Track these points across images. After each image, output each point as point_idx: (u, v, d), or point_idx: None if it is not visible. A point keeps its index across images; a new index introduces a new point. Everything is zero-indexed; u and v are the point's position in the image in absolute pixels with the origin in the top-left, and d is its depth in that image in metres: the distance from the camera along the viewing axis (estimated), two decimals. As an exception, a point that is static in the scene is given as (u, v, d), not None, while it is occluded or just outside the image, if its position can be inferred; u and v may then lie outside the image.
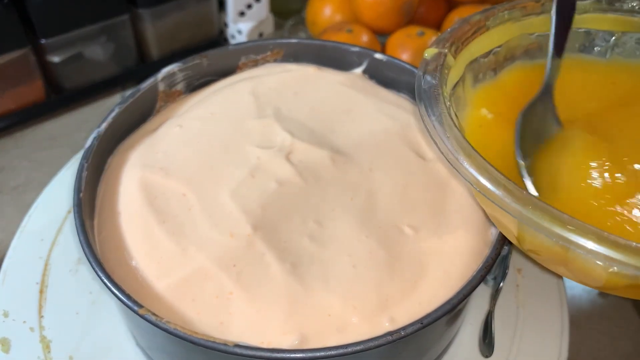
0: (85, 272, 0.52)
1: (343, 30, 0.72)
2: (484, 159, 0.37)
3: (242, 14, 0.81)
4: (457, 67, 0.46)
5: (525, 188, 0.42)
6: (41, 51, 0.70)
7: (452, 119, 0.40)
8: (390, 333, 0.36)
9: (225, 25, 0.83)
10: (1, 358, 0.46)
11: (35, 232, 0.55)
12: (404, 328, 0.37)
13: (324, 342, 0.38)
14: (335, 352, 0.36)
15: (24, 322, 0.49)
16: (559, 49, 0.47)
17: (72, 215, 0.54)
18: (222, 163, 0.47)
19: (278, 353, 0.36)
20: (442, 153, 0.39)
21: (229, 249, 0.42)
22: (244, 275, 0.41)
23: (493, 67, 0.49)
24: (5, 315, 0.49)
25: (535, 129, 0.45)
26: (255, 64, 0.58)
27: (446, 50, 0.45)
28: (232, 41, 0.84)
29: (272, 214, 0.44)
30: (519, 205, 0.35)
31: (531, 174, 0.43)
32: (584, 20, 0.50)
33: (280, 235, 0.43)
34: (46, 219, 0.56)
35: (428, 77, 0.43)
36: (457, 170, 0.38)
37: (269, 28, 0.85)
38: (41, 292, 0.51)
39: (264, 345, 0.38)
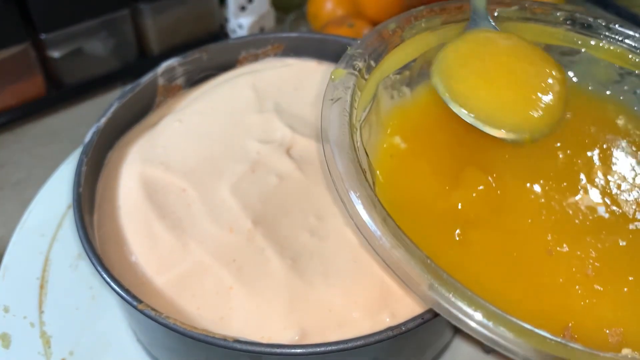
0: (86, 268, 0.52)
1: (344, 24, 0.72)
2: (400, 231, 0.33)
3: (243, 8, 0.80)
4: (368, 88, 0.41)
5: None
6: (41, 46, 0.70)
7: (362, 169, 0.35)
8: (391, 328, 0.36)
9: (226, 19, 0.83)
10: (1, 353, 0.46)
11: (35, 227, 0.55)
12: (404, 323, 0.37)
13: (325, 337, 0.38)
14: (335, 347, 0.36)
15: (25, 317, 0.49)
16: None
17: (72, 210, 0.53)
18: (222, 158, 0.47)
19: (278, 348, 0.36)
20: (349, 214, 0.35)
21: (229, 244, 0.42)
22: (244, 270, 0.40)
23: (407, 83, 0.44)
24: (6, 310, 0.49)
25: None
26: (256, 58, 0.58)
27: (356, 73, 0.39)
28: (233, 36, 0.83)
29: (272, 209, 0.44)
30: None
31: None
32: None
33: (280, 230, 0.43)
34: (46, 214, 0.56)
35: (334, 113, 0.37)
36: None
37: (270, 22, 0.84)
38: (41, 287, 0.51)
39: (264, 341, 0.38)
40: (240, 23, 0.81)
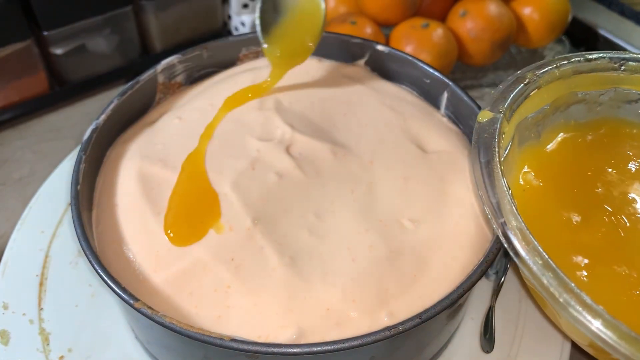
0: (85, 265, 0.52)
1: (347, 22, 0.71)
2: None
3: (245, 5, 0.80)
4: (509, 130, 0.45)
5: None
6: (44, 43, 0.70)
7: (512, 204, 0.39)
8: (388, 328, 0.36)
9: (229, 17, 0.83)
10: (0, 350, 0.46)
11: (35, 224, 0.55)
12: (402, 323, 0.36)
13: (323, 336, 0.38)
14: (332, 346, 0.36)
15: (24, 314, 0.49)
16: None
17: (71, 207, 0.54)
18: (222, 155, 0.47)
19: (274, 347, 0.36)
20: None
21: (228, 242, 0.41)
22: (242, 269, 0.40)
23: (538, 127, 0.48)
24: (5, 307, 0.49)
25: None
26: (256, 55, 0.57)
27: (501, 115, 0.44)
28: (236, 33, 0.83)
29: (272, 207, 0.43)
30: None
31: None
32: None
33: (279, 228, 0.42)
34: (46, 211, 0.56)
35: (483, 148, 0.42)
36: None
37: (273, 20, 0.84)
38: (41, 284, 0.51)
39: (262, 339, 0.38)
40: (242, 20, 0.81)
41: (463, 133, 0.51)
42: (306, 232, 0.42)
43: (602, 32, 0.86)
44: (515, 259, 0.38)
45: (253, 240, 0.41)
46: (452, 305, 0.38)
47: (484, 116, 0.44)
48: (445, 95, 0.52)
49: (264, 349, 0.35)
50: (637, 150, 0.48)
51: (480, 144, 0.43)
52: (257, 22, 0.50)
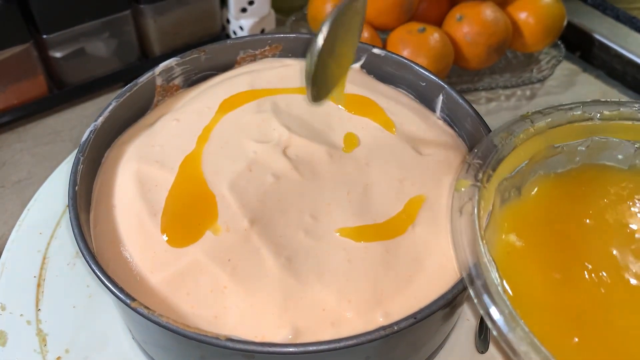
0: (83, 266, 0.52)
1: (344, 26, 0.72)
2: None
3: (243, 10, 0.81)
4: (488, 195, 0.44)
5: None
6: (43, 46, 0.70)
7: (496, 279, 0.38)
8: (383, 328, 0.36)
9: (227, 21, 0.83)
10: (-2, 351, 0.47)
11: (33, 225, 0.55)
12: (397, 323, 0.37)
13: (318, 336, 0.38)
14: (327, 346, 0.36)
15: (21, 315, 0.49)
16: None
17: (69, 209, 0.54)
18: (219, 157, 0.47)
19: (270, 347, 0.36)
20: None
21: (224, 243, 0.42)
22: (238, 270, 0.40)
23: (518, 185, 0.47)
24: (2, 308, 0.49)
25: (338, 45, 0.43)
26: (254, 58, 0.58)
27: (479, 184, 0.42)
28: (234, 37, 0.84)
29: (268, 208, 0.44)
30: None
31: None
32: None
33: (275, 229, 0.43)
34: (45, 213, 0.56)
35: (464, 224, 0.41)
36: None
37: (270, 24, 0.85)
38: (38, 285, 0.51)
39: (258, 339, 0.38)
40: (241, 25, 0.82)
41: (458, 135, 0.52)
42: (302, 233, 0.43)
43: (598, 36, 0.87)
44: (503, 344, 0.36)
45: (250, 242, 0.42)
46: (447, 305, 0.38)
47: (462, 185, 0.43)
48: (441, 98, 0.52)
49: (260, 348, 0.36)
50: (615, 198, 0.47)
51: (461, 217, 0.41)
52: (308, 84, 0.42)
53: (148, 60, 0.79)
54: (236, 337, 0.36)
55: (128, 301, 0.37)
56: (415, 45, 0.70)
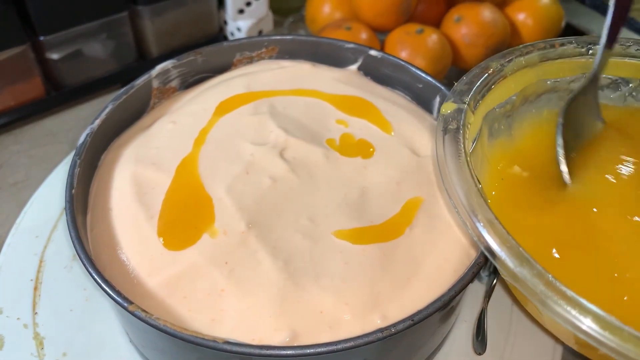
0: (80, 269, 0.52)
1: (342, 27, 0.72)
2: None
3: (241, 11, 0.80)
4: (475, 122, 0.43)
5: (562, 178, 0.42)
6: (40, 48, 0.70)
7: (482, 195, 0.38)
8: (380, 330, 0.36)
9: (225, 22, 0.83)
10: (-5, 354, 0.47)
11: (30, 228, 0.55)
12: (394, 325, 0.37)
13: (316, 339, 0.38)
14: (325, 348, 0.36)
15: (18, 318, 0.49)
16: (611, 40, 0.44)
17: (66, 211, 0.54)
18: (216, 159, 0.47)
19: (267, 349, 0.36)
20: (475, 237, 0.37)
21: (222, 246, 0.42)
22: (236, 273, 0.40)
23: (508, 116, 0.46)
24: None
25: (579, 123, 0.43)
26: (250, 60, 0.58)
27: (465, 106, 0.42)
28: (232, 39, 0.83)
29: (266, 211, 0.44)
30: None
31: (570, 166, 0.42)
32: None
33: (273, 232, 0.43)
34: (41, 216, 0.56)
35: (448, 143, 0.40)
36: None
37: (268, 26, 0.85)
38: (35, 288, 0.51)
39: (255, 342, 0.38)
40: (238, 26, 0.81)
41: (456, 137, 0.52)
42: (299, 235, 0.42)
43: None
44: (487, 254, 0.37)
45: (247, 244, 0.42)
46: (444, 307, 0.38)
47: (448, 108, 0.42)
48: (438, 99, 0.52)
49: (258, 351, 0.35)
50: (615, 128, 0.47)
51: (444, 135, 0.41)
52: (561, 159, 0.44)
53: (145, 62, 0.79)
54: (234, 340, 0.36)
55: (125, 304, 0.37)
56: (413, 47, 0.70)
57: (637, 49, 0.48)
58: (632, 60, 0.48)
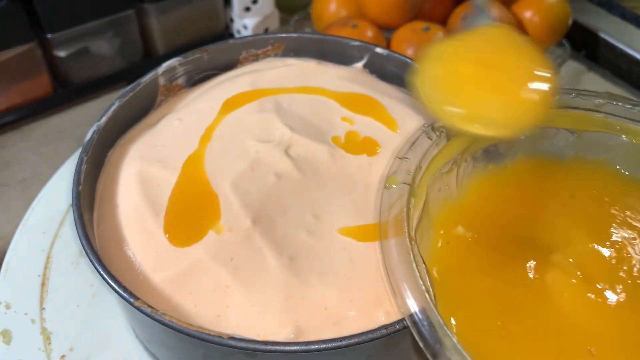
0: (87, 265, 0.52)
1: (348, 25, 0.72)
2: None
3: (247, 9, 0.81)
4: (420, 191, 0.42)
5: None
6: (47, 46, 0.70)
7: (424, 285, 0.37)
8: (385, 326, 0.36)
9: (231, 20, 0.83)
10: (2, 349, 0.47)
11: (37, 225, 0.55)
12: (399, 322, 0.37)
13: (320, 335, 0.38)
14: (329, 345, 0.36)
15: (26, 314, 0.49)
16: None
17: (73, 208, 0.54)
18: (221, 156, 0.47)
19: (272, 345, 0.36)
20: None
21: (227, 242, 0.42)
22: (241, 269, 0.41)
23: (453, 178, 0.45)
24: (7, 307, 0.49)
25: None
26: (256, 58, 0.58)
27: (410, 182, 0.41)
28: (238, 36, 0.84)
29: (271, 208, 0.44)
30: None
31: None
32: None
33: (278, 228, 0.43)
34: (48, 212, 0.56)
35: (392, 226, 0.39)
36: None
37: (274, 23, 0.85)
38: (43, 284, 0.51)
39: (260, 338, 0.38)
40: (245, 24, 0.82)
41: (461, 135, 0.52)
42: (304, 232, 0.43)
43: (603, 35, 0.87)
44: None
45: (252, 241, 0.42)
46: (448, 304, 0.38)
47: (391, 182, 0.41)
48: (444, 97, 0.52)
49: (262, 347, 0.36)
50: (560, 185, 0.46)
51: (389, 218, 0.40)
52: None
53: (151, 60, 0.80)
54: (239, 336, 0.37)
55: (132, 300, 0.37)
56: (419, 44, 0.70)
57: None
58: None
